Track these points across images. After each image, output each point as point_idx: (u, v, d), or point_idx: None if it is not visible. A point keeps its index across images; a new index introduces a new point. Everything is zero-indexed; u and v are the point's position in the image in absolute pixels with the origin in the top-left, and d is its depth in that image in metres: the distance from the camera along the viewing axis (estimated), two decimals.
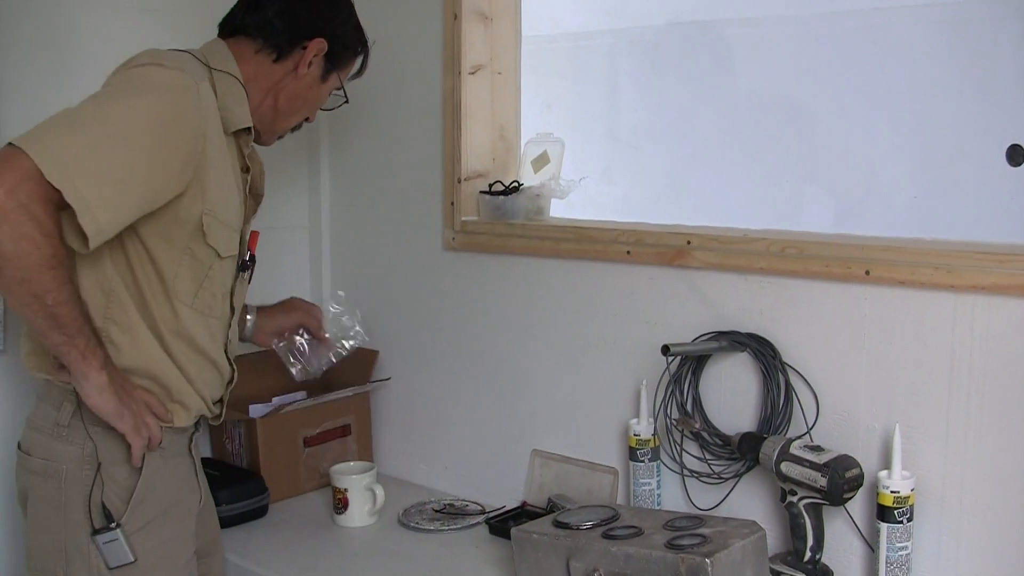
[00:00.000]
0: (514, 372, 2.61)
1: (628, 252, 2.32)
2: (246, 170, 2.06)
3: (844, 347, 2.05)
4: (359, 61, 2.20)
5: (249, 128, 2.01)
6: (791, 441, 2.02)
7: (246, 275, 2.15)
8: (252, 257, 2.15)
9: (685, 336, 2.23)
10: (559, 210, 2.61)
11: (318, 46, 2.05)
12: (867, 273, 1.98)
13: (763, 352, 2.12)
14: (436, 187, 2.72)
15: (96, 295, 1.86)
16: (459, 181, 2.64)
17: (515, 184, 2.60)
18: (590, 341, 2.44)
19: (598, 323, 2.42)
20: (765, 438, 2.06)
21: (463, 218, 2.65)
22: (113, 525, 1.88)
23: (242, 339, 2.31)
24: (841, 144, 2.43)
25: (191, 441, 2.06)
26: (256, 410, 2.76)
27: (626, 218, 2.50)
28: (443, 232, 2.71)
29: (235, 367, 2.12)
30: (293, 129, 2.18)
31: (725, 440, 2.18)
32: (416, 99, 2.75)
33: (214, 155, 1.88)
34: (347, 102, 2.23)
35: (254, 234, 2.18)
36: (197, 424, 2.07)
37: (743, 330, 2.17)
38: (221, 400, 2.11)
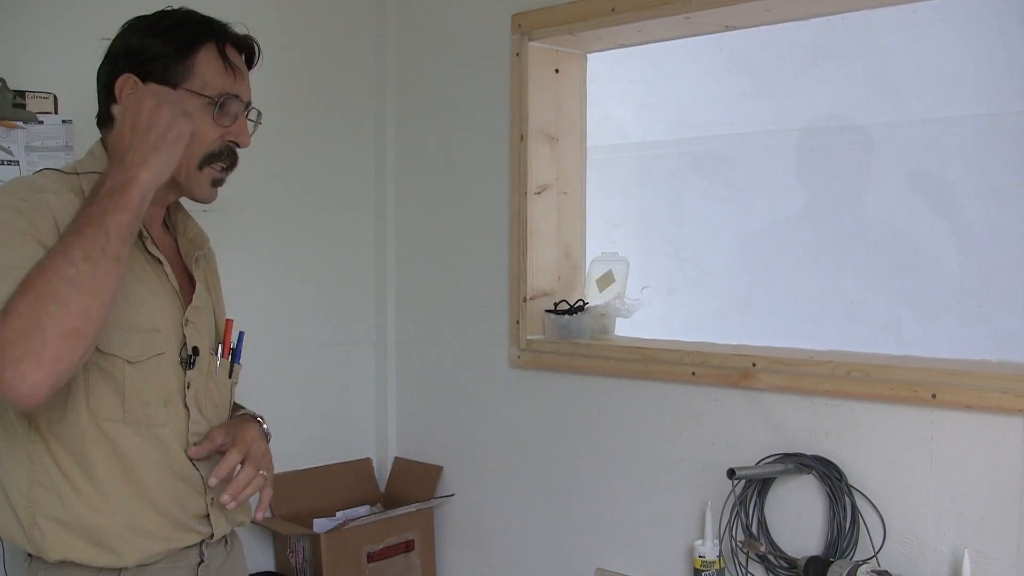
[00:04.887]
0: (578, 490, 2.61)
1: (693, 373, 2.34)
2: (159, 260, 1.81)
3: (911, 470, 2.04)
4: (199, 57, 1.76)
5: None
6: (858, 565, 2.00)
7: (201, 370, 1.86)
8: (196, 350, 1.83)
9: (750, 457, 2.23)
10: (623, 326, 2.64)
11: (124, 85, 1.73)
12: (933, 396, 1.98)
13: (829, 475, 2.12)
14: (502, 305, 2.76)
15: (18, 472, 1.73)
16: (525, 300, 2.67)
17: (580, 303, 2.63)
18: (655, 461, 2.45)
19: (663, 443, 2.43)
20: (832, 562, 2.04)
21: (529, 336, 2.68)
22: None
23: None
24: (906, 256, 2.44)
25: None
26: (320, 524, 2.78)
27: (689, 334, 2.53)
28: (509, 350, 2.74)
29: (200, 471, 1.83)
30: (221, 167, 1.81)
31: (791, 563, 2.16)
32: (483, 218, 2.81)
33: None
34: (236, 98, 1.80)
35: (228, 323, 1.96)
36: (202, 552, 1.86)
37: (809, 452, 2.16)
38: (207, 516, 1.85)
